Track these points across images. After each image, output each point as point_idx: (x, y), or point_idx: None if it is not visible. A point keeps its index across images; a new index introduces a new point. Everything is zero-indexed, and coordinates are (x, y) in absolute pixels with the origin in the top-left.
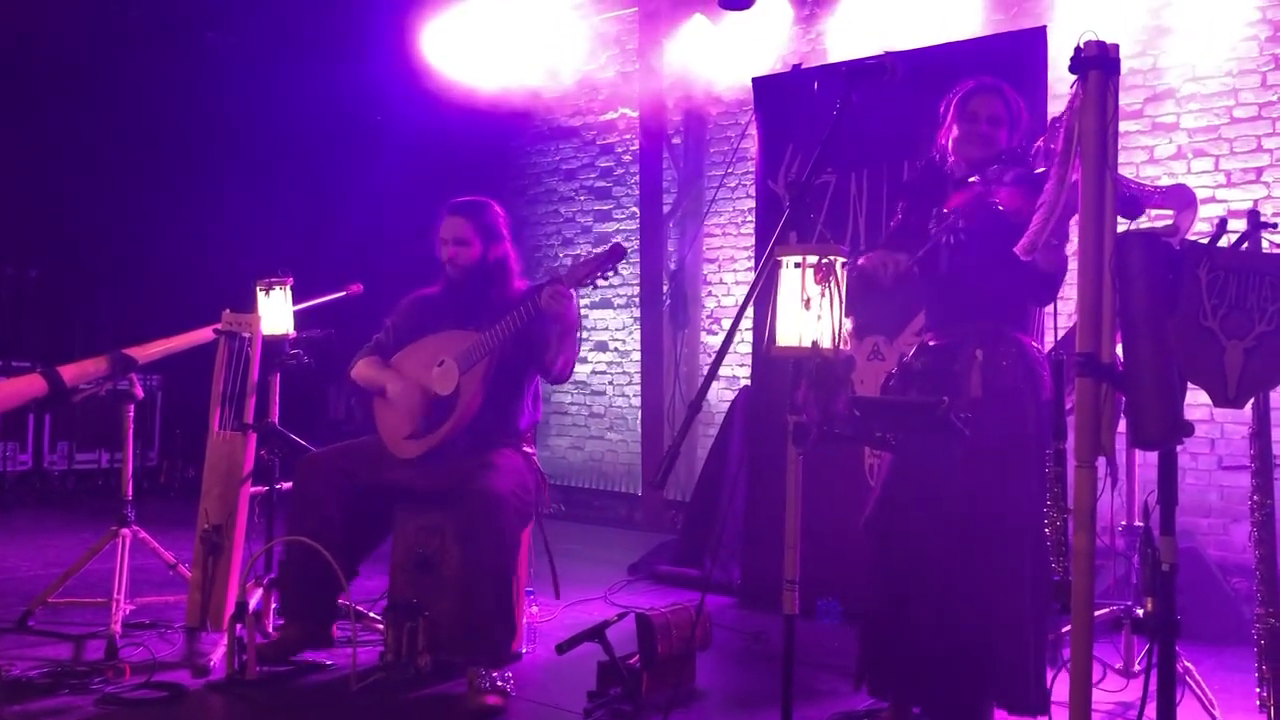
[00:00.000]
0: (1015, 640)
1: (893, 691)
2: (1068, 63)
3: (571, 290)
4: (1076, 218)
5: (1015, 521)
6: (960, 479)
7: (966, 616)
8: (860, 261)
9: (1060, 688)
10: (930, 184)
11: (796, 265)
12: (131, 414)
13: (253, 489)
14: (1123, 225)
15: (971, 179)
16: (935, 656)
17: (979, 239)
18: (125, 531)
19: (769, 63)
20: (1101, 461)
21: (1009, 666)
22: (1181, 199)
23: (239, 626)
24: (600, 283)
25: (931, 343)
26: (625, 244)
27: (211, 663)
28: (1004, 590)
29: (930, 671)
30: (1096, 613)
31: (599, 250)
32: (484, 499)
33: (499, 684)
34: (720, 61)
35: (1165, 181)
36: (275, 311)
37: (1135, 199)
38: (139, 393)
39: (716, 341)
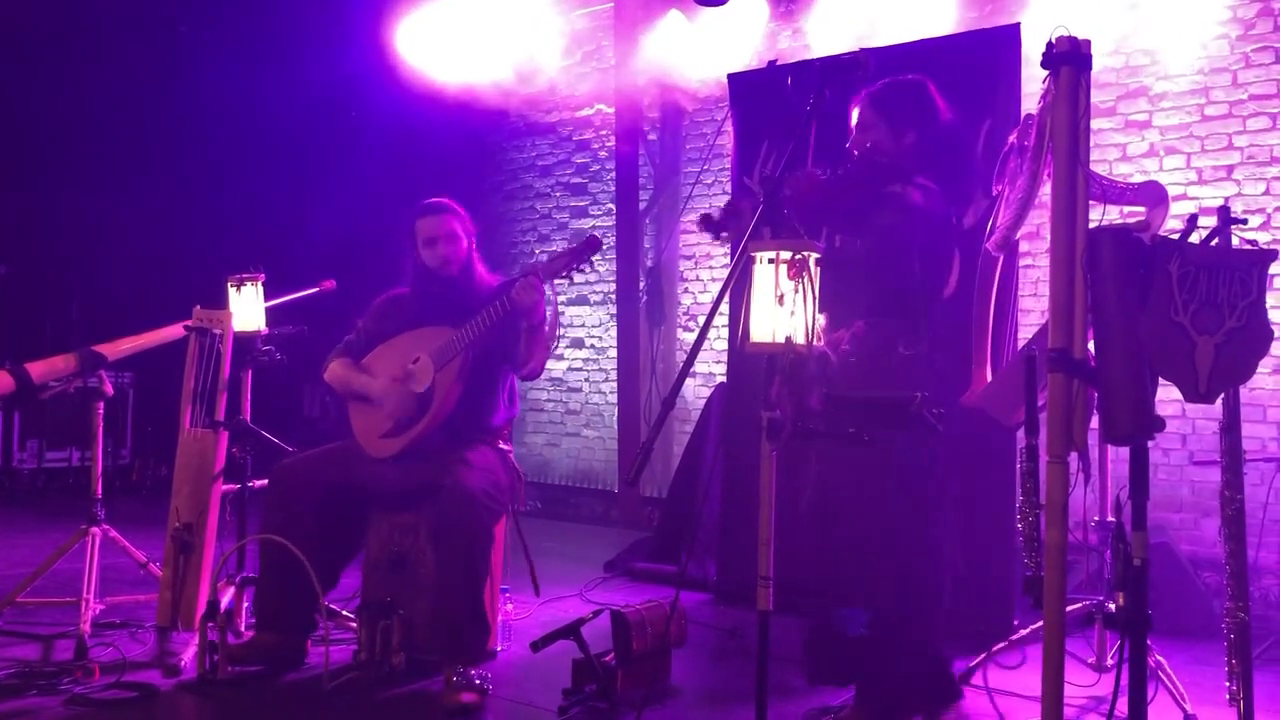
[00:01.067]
0: (907, 631)
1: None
2: (1040, 59)
3: (543, 282)
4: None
5: (898, 511)
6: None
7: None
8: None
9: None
10: None
11: (770, 261)
12: (101, 411)
13: (224, 487)
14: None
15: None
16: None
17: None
18: (95, 530)
19: (745, 59)
20: (1073, 457)
21: (905, 660)
22: (1154, 196)
23: (210, 626)
24: (577, 278)
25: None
26: (603, 240)
27: (183, 662)
28: (876, 584)
29: (858, 665)
30: (1069, 608)
31: (573, 243)
32: (456, 496)
33: (475, 681)
34: (696, 58)
35: (1137, 179)
36: (247, 308)
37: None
38: (109, 390)
39: (693, 338)
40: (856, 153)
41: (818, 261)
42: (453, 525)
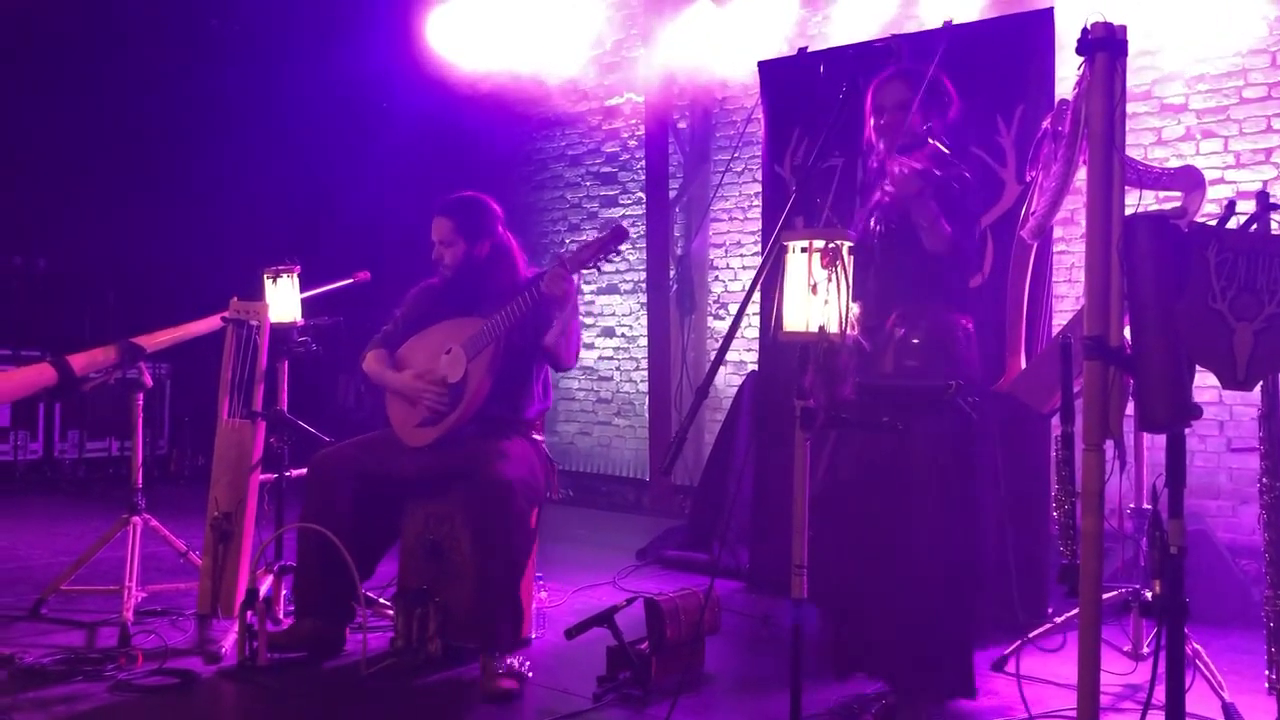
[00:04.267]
0: (934, 624)
1: (848, 669)
2: (1074, 44)
3: (571, 273)
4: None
5: (927, 502)
6: (876, 461)
7: (898, 599)
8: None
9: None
10: (869, 180)
11: (803, 250)
12: (141, 402)
13: (262, 476)
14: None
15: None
16: (883, 636)
17: (892, 230)
18: (136, 519)
19: (775, 46)
20: (1109, 444)
21: (933, 650)
22: (1190, 181)
23: (250, 613)
24: (606, 268)
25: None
26: (631, 230)
27: (223, 649)
28: (920, 571)
29: (882, 650)
30: (1105, 595)
31: (601, 233)
32: (494, 486)
33: (515, 668)
34: (726, 45)
35: (1174, 163)
36: (283, 299)
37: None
38: (148, 381)
39: (723, 327)
40: (895, 134)
41: (850, 250)
42: (490, 515)
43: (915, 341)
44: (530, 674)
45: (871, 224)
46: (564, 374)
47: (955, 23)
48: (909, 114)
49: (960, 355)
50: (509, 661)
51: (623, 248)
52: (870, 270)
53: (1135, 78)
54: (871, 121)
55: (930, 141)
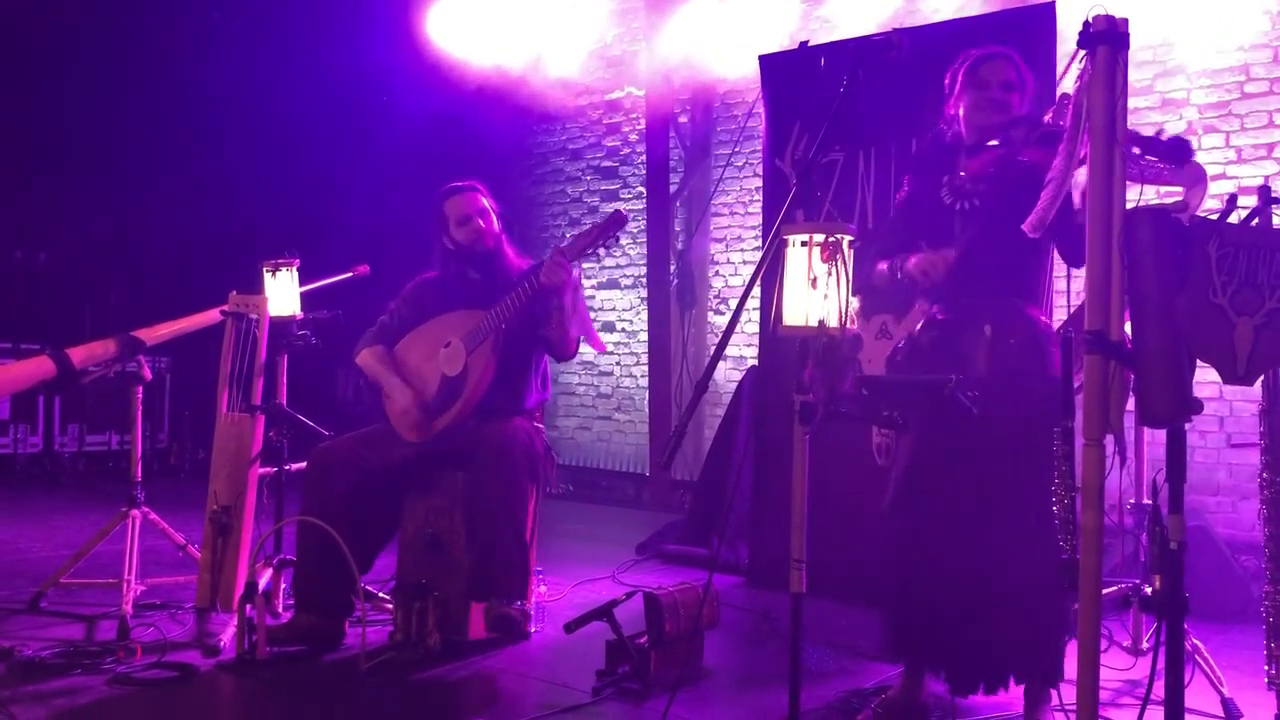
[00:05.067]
0: (1033, 613)
1: (915, 660)
2: (1076, 37)
3: (570, 261)
4: None
5: (1028, 498)
6: (974, 459)
7: (991, 593)
8: (909, 265)
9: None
10: (937, 156)
11: (803, 244)
12: (140, 396)
13: (261, 470)
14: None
15: (991, 143)
16: (962, 631)
17: (999, 206)
18: (135, 513)
19: (776, 40)
20: (1109, 439)
21: (1026, 637)
22: (1191, 175)
23: (249, 607)
24: (607, 262)
25: (940, 316)
26: (632, 224)
27: (222, 643)
28: (1020, 566)
29: (956, 643)
30: (1105, 590)
31: (599, 220)
32: (495, 447)
33: (519, 605)
34: (727, 39)
35: None
36: (282, 293)
37: (1182, 144)
38: (147, 374)
39: (724, 322)
40: (1003, 112)
41: (850, 244)
42: (492, 473)
43: (1012, 341)
44: (534, 628)
45: (948, 202)
46: (564, 368)
47: (958, 17)
48: (1010, 96)
49: (1050, 355)
50: (515, 602)
51: (624, 243)
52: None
53: (1136, 72)
54: (970, 96)
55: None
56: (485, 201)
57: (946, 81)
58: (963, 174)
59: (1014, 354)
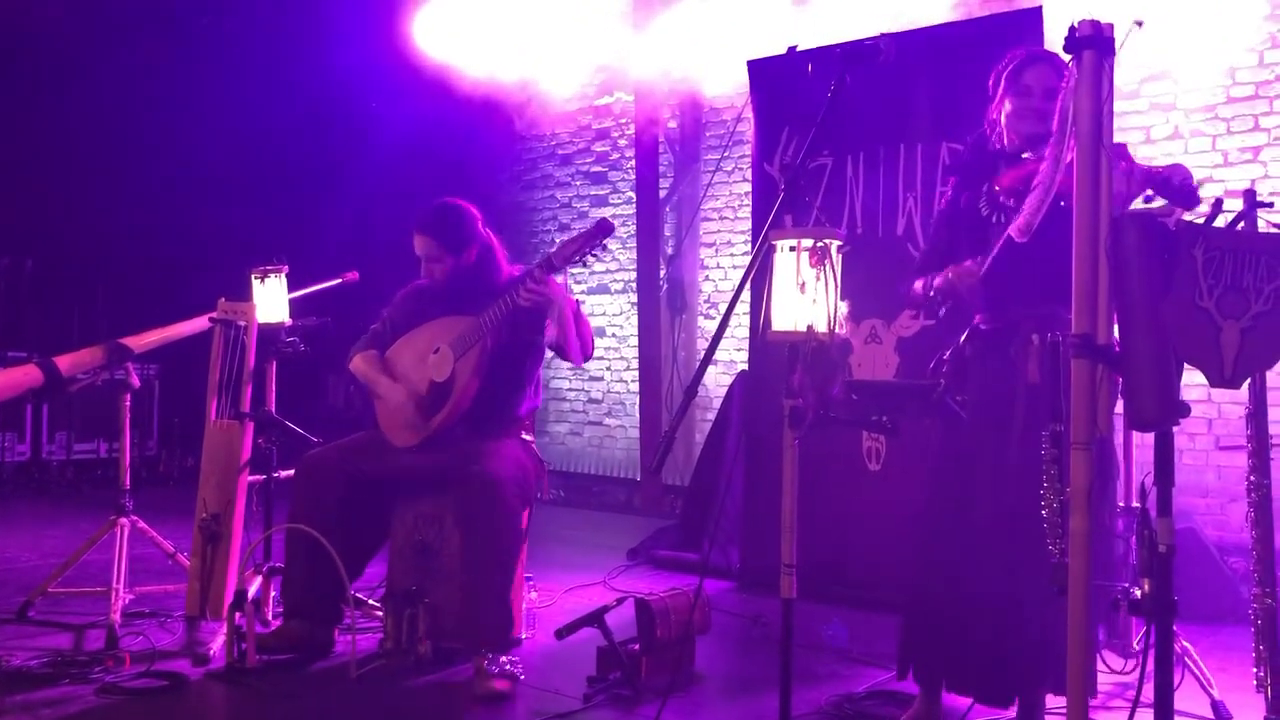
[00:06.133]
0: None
1: (935, 678)
2: (1062, 43)
3: (548, 275)
4: None
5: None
6: (1017, 470)
7: (1025, 606)
8: (937, 282)
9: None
10: (981, 161)
11: (791, 249)
12: (128, 403)
13: (251, 477)
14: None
15: (1025, 155)
16: (991, 645)
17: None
18: (124, 521)
19: (765, 45)
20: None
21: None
22: None
23: (238, 615)
24: (597, 267)
25: (983, 327)
26: (621, 229)
27: (211, 651)
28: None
29: (984, 659)
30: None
31: (585, 227)
32: (484, 485)
33: (507, 668)
34: (716, 44)
35: (1162, 162)
36: (271, 299)
37: (1192, 190)
38: (135, 382)
39: (714, 326)
40: (1046, 121)
41: (839, 249)
42: (480, 514)
43: (1062, 350)
44: (522, 675)
45: (985, 213)
46: (554, 374)
47: (946, 21)
48: (1054, 103)
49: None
50: (501, 661)
51: (613, 248)
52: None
53: (1123, 75)
54: (1011, 103)
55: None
56: (434, 246)
57: (990, 83)
58: (998, 187)
59: (1065, 363)
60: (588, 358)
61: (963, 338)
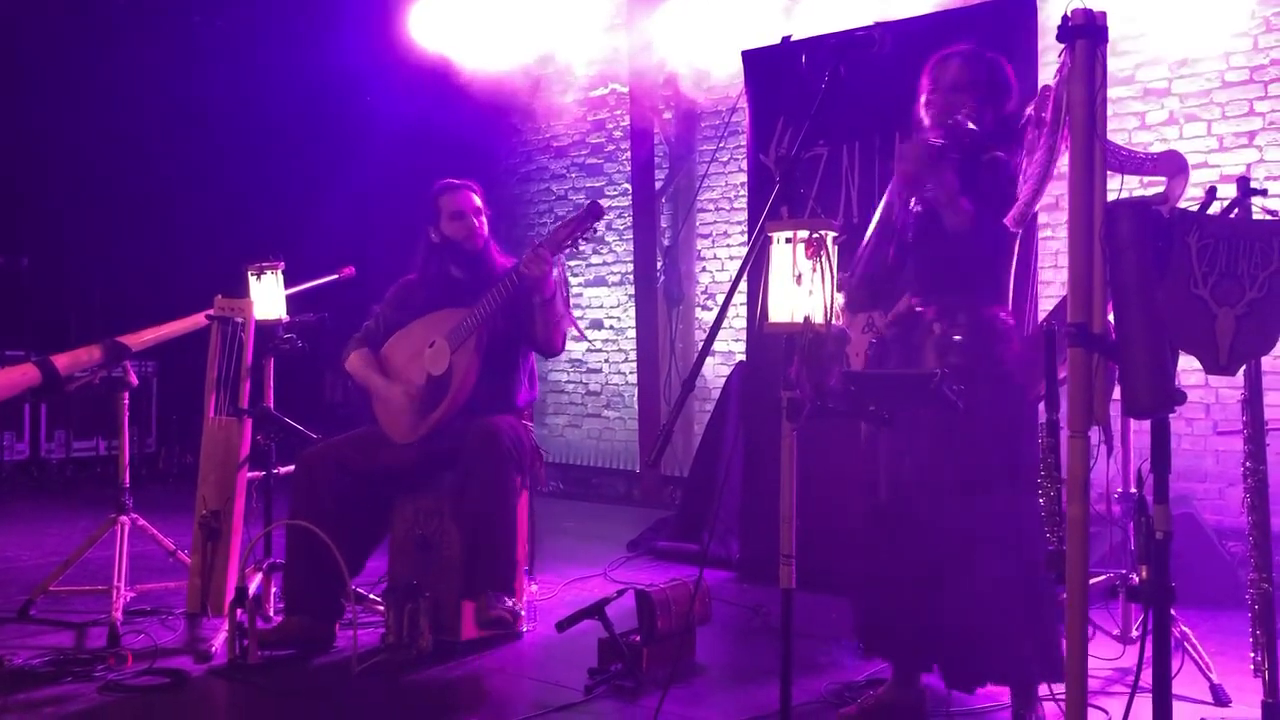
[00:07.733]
0: (1021, 611)
1: (900, 658)
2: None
3: (549, 254)
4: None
5: (992, 492)
6: (919, 456)
7: (971, 591)
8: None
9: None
10: None
11: (787, 240)
12: (126, 401)
13: (250, 474)
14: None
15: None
16: (954, 627)
17: (927, 215)
18: (124, 519)
19: (760, 35)
20: (1095, 430)
21: (1021, 638)
22: (1173, 165)
23: (239, 611)
24: (593, 258)
25: (918, 309)
26: (618, 221)
27: (213, 648)
28: (992, 565)
29: (949, 640)
30: (1092, 580)
31: (576, 211)
32: (484, 436)
33: (509, 604)
34: (711, 34)
35: (1157, 147)
36: (268, 296)
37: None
38: (133, 380)
39: (711, 318)
40: (955, 115)
41: (835, 240)
42: (479, 466)
43: (957, 338)
44: (526, 617)
45: (911, 204)
46: (553, 366)
47: (939, 9)
48: (963, 96)
49: (1002, 351)
50: (503, 598)
51: (610, 239)
52: (905, 258)
53: (1117, 61)
54: (923, 97)
55: (957, 119)
56: (479, 201)
57: (919, 79)
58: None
59: (957, 350)
60: (559, 351)
61: (887, 320)
